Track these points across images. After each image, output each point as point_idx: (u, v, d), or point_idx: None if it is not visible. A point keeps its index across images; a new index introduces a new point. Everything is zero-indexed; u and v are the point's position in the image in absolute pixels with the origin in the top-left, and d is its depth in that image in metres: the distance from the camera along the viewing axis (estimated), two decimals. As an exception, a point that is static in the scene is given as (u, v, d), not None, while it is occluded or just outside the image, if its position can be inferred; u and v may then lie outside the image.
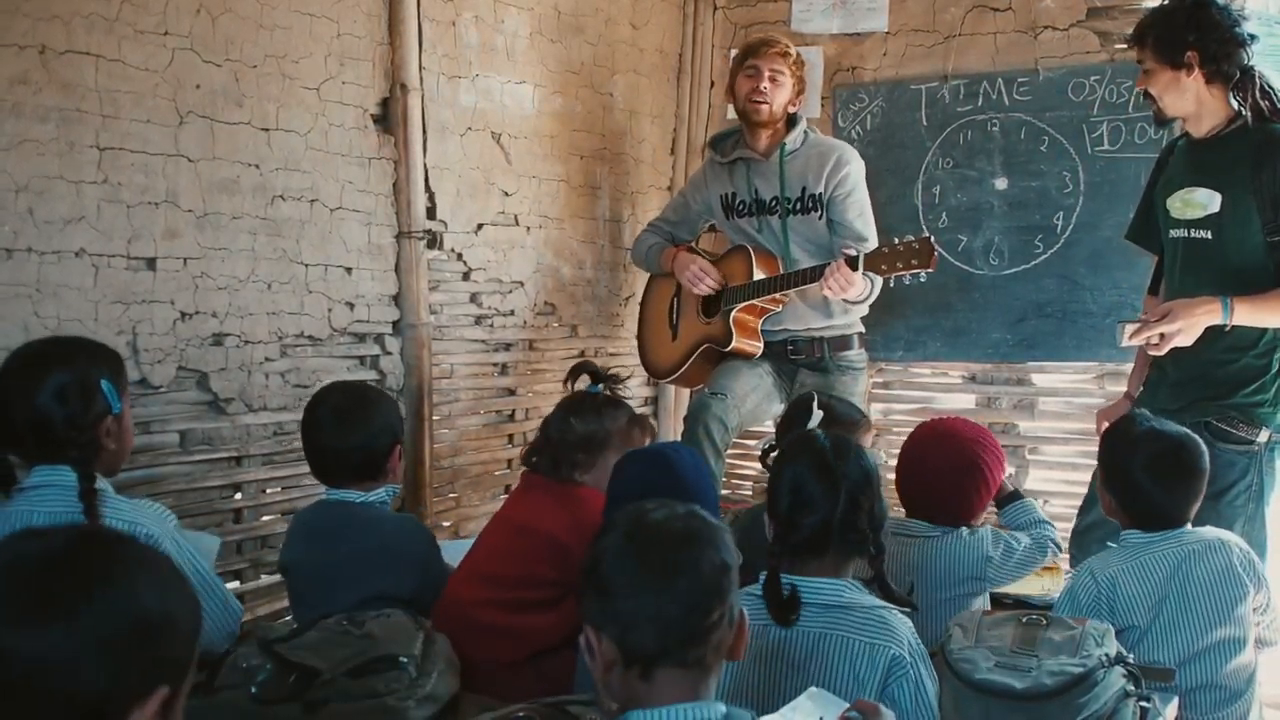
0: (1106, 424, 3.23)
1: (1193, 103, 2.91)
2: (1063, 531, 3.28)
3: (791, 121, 3.75)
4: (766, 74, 3.66)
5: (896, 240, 3.35)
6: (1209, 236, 2.91)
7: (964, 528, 2.77)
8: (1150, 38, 2.92)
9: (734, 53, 3.90)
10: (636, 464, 2.53)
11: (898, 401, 4.50)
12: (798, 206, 3.71)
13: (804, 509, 2.15)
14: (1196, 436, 2.60)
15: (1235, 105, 2.87)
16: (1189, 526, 2.53)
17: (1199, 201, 2.93)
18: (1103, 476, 2.69)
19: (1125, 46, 3.97)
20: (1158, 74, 2.92)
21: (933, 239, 3.28)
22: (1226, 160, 2.89)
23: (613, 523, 1.63)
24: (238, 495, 3.14)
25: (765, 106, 3.67)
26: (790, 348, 3.78)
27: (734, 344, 3.72)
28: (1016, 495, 3.00)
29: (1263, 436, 2.87)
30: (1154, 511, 2.52)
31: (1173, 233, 3.02)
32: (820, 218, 3.68)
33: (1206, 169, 2.93)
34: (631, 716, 1.52)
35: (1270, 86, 2.89)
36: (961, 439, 2.85)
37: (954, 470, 2.79)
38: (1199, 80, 2.87)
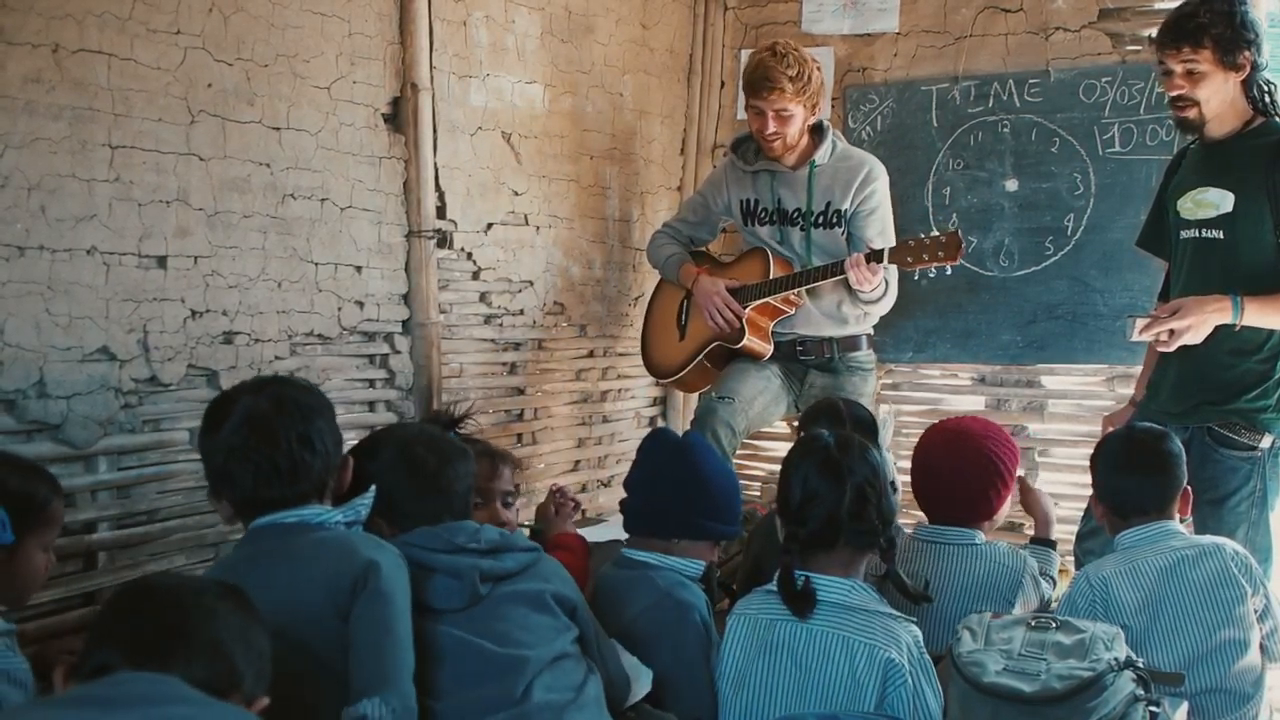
0: (1110, 428, 3.26)
1: (1226, 104, 2.89)
2: (1070, 534, 3.29)
3: (818, 131, 3.69)
4: (770, 114, 3.56)
5: (923, 234, 3.37)
6: (1220, 236, 2.91)
7: (1003, 542, 2.81)
8: (1209, 37, 2.84)
9: (746, 55, 3.86)
10: (663, 444, 2.63)
11: (907, 403, 4.49)
12: (820, 220, 3.68)
13: (811, 503, 2.19)
14: (1164, 432, 2.69)
15: (1258, 105, 2.88)
16: (1173, 524, 2.59)
17: (1211, 201, 2.92)
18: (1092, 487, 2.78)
19: (1138, 49, 3.98)
20: (1212, 75, 2.85)
21: (960, 231, 3.32)
22: (1241, 160, 2.88)
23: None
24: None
25: (778, 143, 3.61)
26: (799, 348, 3.76)
27: (745, 341, 3.69)
28: (1050, 544, 3.06)
29: (1266, 442, 2.88)
30: (1120, 498, 2.65)
31: (1184, 234, 3.01)
32: (842, 233, 3.66)
33: (1220, 169, 2.92)
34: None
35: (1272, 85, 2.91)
36: (975, 438, 2.86)
37: (971, 470, 2.80)
38: (1238, 81, 2.86)
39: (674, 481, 2.54)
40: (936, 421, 3.07)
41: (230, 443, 2.06)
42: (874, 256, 3.38)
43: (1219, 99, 2.87)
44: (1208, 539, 2.58)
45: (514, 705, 2.01)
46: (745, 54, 4.48)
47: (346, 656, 1.93)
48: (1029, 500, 3.13)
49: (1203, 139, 2.98)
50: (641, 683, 2.30)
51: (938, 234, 3.34)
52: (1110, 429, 3.28)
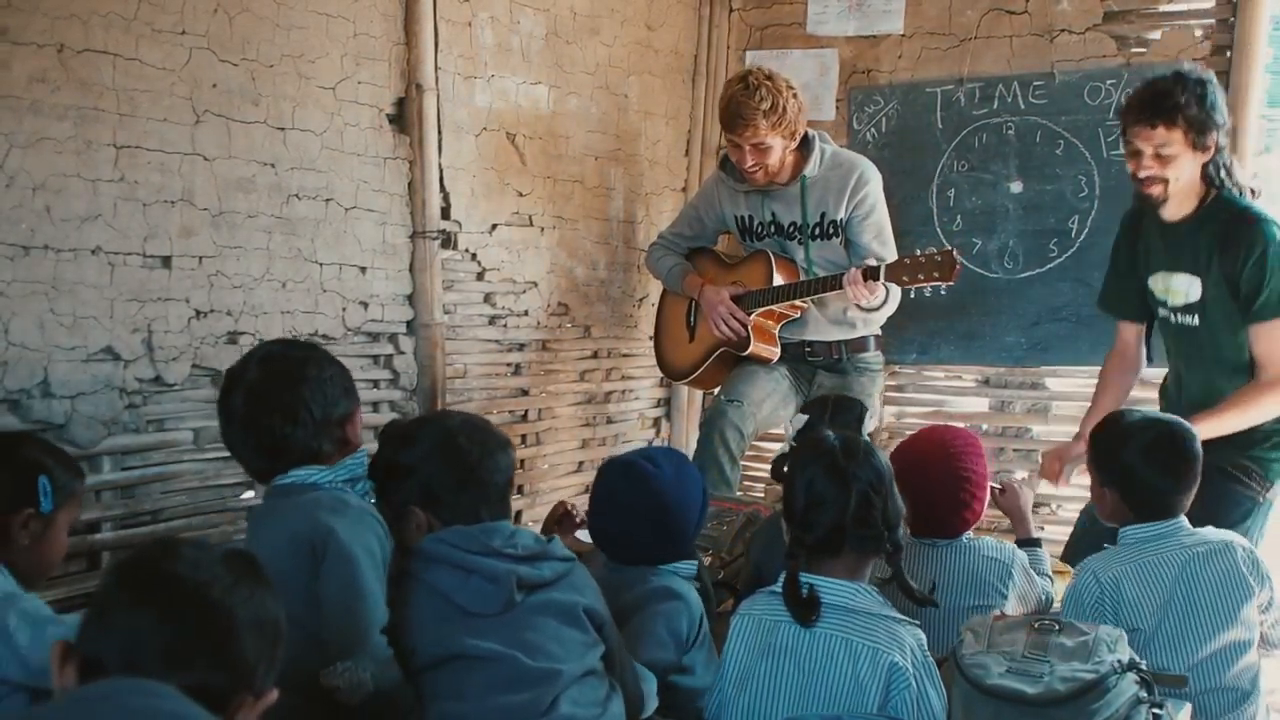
0: (1057, 464, 3.18)
1: (1189, 184, 2.91)
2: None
3: (805, 144, 3.65)
4: (748, 149, 3.53)
5: (919, 251, 3.35)
6: (1196, 323, 2.94)
7: (988, 536, 2.79)
8: (1184, 117, 2.83)
9: (751, 57, 3.85)
10: (617, 478, 2.58)
11: (911, 404, 4.49)
12: (817, 232, 3.67)
13: (817, 509, 2.18)
14: (1187, 424, 2.62)
15: (1212, 182, 2.90)
16: (1184, 521, 2.54)
17: (1179, 289, 2.95)
18: (1098, 476, 2.68)
19: (1143, 51, 3.98)
20: (1182, 156, 2.86)
21: (955, 252, 3.29)
22: (1199, 245, 2.90)
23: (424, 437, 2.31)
24: (250, 493, 3.15)
25: (759, 173, 3.59)
26: (807, 349, 3.76)
27: (751, 348, 3.70)
28: (1036, 543, 2.99)
29: (1272, 493, 2.91)
30: (1154, 498, 2.53)
31: (1161, 312, 3.05)
32: (840, 242, 3.65)
33: (1182, 253, 2.94)
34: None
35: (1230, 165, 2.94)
36: (939, 460, 2.81)
37: (944, 492, 2.77)
38: (1202, 162, 2.88)
39: (643, 519, 2.52)
40: (898, 445, 3.02)
41: (225, 432, 2.29)
42: (871, 274, 3.37)
43: (1186, 178, 2.88)
44: (1216, 536, 2.53)
45: (540, 717, 2.02)
46: (750, 55, 4.49)
47: (316, 613, 2.04)
48: (1005, 502, 3.07)
49: (1160, 218, 2.99)
50: (649, 702, 2.30)
51: (934, 251, 3.31)
52: (1055, 464, 3.20)
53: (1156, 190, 2.91)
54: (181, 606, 1.41)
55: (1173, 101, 2.83)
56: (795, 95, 3.53)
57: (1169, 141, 2.84)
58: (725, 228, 3.94)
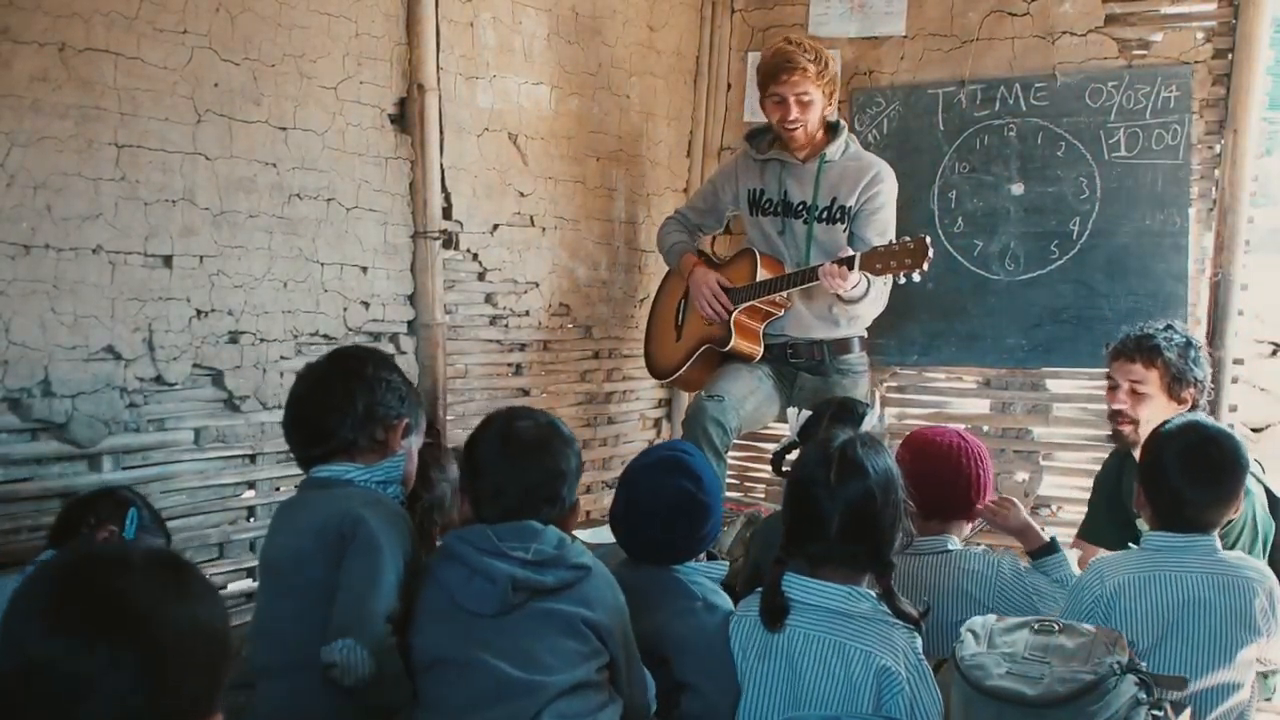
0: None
1: None
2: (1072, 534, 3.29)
3: (833, 129, 3.72)
4: (793, 100, 3.58)
5: (893, 240, 3.38)
6: None
7: (979, 546, 2.77)
8: (1162, 359, 3.00)
9: (753, 58, 3.86)
10: (657, 472, 2.49)
11: (912, 406, 4.48)
12: (824, 215, 3.69)
13: (812, 520, 2.18)
14: (1235, 436, 2.52)
15: None
16: (1214, 540, 2.42)
17: None
18: (1137, 471, 2.63)
19: (1144, 53, 3.99)
20: (1155, 399, 3.00)
21: (928, 239, 3.30)
22: None
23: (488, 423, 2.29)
24: (251, 492, 3.15)
25: (800, 131, 3.64)
26: (790, 350, 3.76)
27: (732, 344, 3.71)
28: (1052, 549, 2.80)
29: None
30: (1177, 507, 2.41)
31: None
32: (844, 230, 3.66)
33: None
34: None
35: None
36: (938, 439, 2.84)
37: (940, 467, 2.77)
38: (1178, 413, 2.93)
39: (686, 518, 2.45)
40: (910, 434, 3.03)
41: (284, 417, 2.39)
42: (845, 262, 3.39)
43: (1158, 421, 2.79)
44: (1240, 569, 2.39)
45: None
46: (752, 56, 4.49)
47: (329, 600, 2.07)
48: (1005, 522, 2.88)
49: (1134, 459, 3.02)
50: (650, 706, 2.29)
51: (907, 239, 3.34)
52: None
53: (1127, 429, 3.05)
54: (99, 634, 1.21)
55: (1155, 343, 3.03)
56: (835, 62, 3.71)
57: (1145, 380, 3.02)
58: (736, 205, 3.96)
